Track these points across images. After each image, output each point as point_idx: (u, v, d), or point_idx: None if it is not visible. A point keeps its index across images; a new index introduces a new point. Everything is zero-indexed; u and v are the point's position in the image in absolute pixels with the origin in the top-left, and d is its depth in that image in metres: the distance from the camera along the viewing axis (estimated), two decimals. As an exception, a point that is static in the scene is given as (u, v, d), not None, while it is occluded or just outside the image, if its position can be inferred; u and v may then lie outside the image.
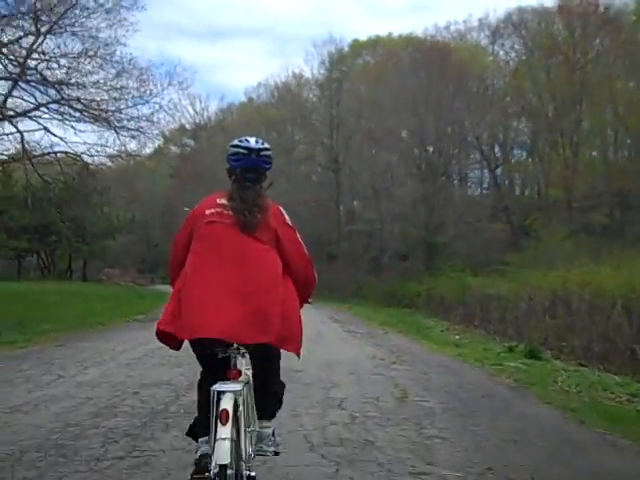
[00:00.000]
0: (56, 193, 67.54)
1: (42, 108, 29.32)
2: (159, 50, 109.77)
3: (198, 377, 4.35)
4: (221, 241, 3.99)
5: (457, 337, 19.71)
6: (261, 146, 4.21)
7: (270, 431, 4.33)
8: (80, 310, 23.79)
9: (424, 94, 38.61)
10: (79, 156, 32.53)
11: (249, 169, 4.21)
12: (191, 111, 76.72)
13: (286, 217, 4.24)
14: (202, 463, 3.82)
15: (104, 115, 29.97)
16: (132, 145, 31.12)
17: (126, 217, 70.14)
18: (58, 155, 31.83)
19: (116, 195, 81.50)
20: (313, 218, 47.62)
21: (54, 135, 30.07)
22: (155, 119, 30.62)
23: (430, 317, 26.95)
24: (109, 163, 33.95)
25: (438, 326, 23.46)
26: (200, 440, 4.02)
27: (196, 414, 4.30)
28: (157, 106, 30.39)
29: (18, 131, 28.38)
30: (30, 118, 29.34)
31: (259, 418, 4.25)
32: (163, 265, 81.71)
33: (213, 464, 3.48)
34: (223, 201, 4.12)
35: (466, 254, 36.69)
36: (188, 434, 4.40)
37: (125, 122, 30.32)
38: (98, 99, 29.16)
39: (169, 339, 4.14)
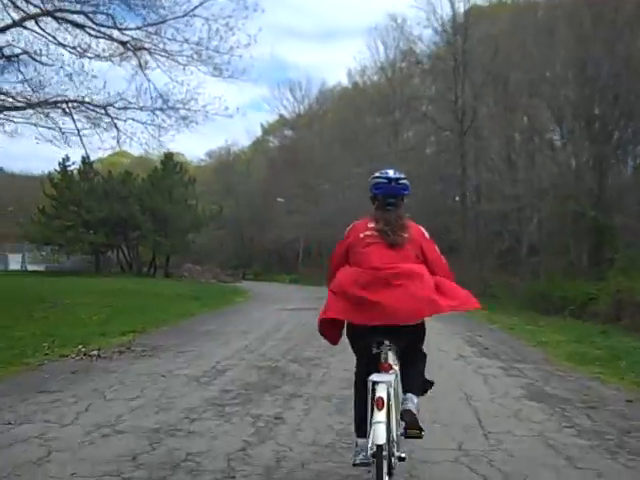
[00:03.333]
0: (138, 185, 59.25)
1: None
2: (272, 53, 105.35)
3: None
4: (375, 258, 4.24)
5: None
6: (399, 176, 4.54)
7: (415, 399, 4.34)
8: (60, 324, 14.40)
9: (588, 29, 25.31)
10: (104, 108, 20.96)
11: (389, 195, 4.51)
12: (291, 99, 67.25)
13: (426, 233, 4.52)
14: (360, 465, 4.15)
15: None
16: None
17: (213, 211, 60.07)
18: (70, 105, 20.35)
19: (208, 188, 73.27)
20: (430, 197, 34.26)
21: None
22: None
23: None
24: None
25: None
26: (359, 443, 4.25)
27: None
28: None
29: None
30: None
31: (406, 392, 4.37)
32: (257, 260, 72.72)
33: (370, 444, 3.82)
34: (372, 225, 4.41)
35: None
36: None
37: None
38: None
39: (331, 331, 4.45)
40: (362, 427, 4.20)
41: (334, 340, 4.50)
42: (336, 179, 44.77)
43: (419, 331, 4.47)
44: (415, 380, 4.49)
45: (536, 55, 26.67)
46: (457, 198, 41.49)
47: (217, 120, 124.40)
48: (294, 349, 11.42)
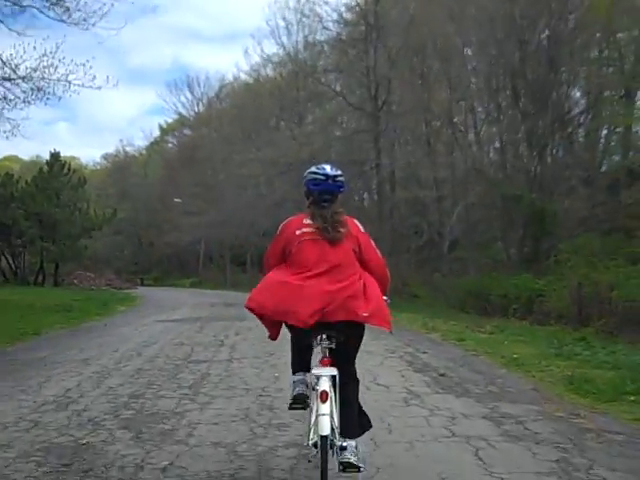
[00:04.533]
0: (22, 188, 52.81)
1: None
2: (175, 56, 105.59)
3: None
4: (314, 255, 4.08)
5: None
6: (336, 173, 4.33)
7: (353, 443, 3.98)
8: None
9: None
10: None
11: (326, 192, 4.30)
12: (189, 96, 62.00)
13: (360, 227, 4.34)
14: (297, 400, 4.23)
15: None
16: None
17: (107, 214, 54.24)
18: None
19: (103, 192, 67.31)
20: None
21: None
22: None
23: None
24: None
25: None
26: (295, 379, 4.32)
27: None
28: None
29: None
30: None
31: (341, 435, 3.95)
32: (157, 265, 66.98)
33: (311, 435, 3.81)
34: (308, 221, 4.23)
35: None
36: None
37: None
38: None
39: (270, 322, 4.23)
40: (300, 364, 4.35)
41: (273, 334, 4.29)
42: (236, 173, 39.82)
43: (357, 331, 4.13)
44: (350, 420, 4.10)
45: (457, 16, 22.46)
46: (364, 195, 37.50)
47: (115, 125, 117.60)
48: (143, 394, 6.83)
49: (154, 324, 15.42)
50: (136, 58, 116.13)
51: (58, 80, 18.56)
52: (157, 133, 72.89)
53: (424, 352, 10.18)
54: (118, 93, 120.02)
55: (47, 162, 52.91)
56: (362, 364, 5.58)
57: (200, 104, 62.66)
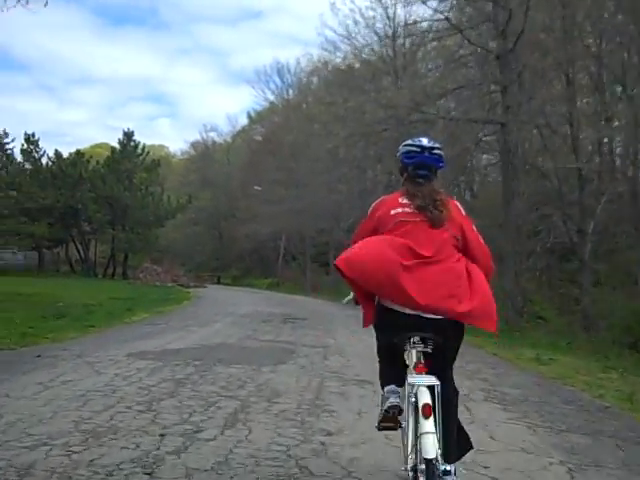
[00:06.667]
0: (93, 168, 47.91)
1: None
2: (274, 59, 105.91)
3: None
4: (412, 238, 3.41)
5: None
6: (433, 145, 3.75)
7: (453, 468, 3.26)
8: None
9: None
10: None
11: (421, 166, 3.72)
12: (278, 82, 55.66)
13: (462, 210, 3.72)
14: (390, 413, 3.48)
15: None
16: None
17: (181, 201, 48.78)
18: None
19: (185, 179, 62.19)
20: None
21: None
22: None
23: None
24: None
25: None
26: (386, 390, 3.58)
27: None
28: None
29: None
30: None
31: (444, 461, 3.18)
32: (237, 262, 60.29)
33: (409, 459, 3.23)
34: (404, 200, 3.61)
35: None
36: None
37: None
38: None
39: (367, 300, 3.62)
40: (391, 375, 3.61)
41: (366, 318, 3.66)
42: (322, 158, 33.20)
43: (457, 330, 3.44)
44: (451, 440, 3.35)
45: None
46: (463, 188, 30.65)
47: (213, 122, 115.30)
48: None
49: (118, 362, 8.51)
50: (236, 60, 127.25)
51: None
52: (245, 122, 67.90)
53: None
54: (219, 92, 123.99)
55: (119, 141, 47.87)
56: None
57: (290, 90, 56.46)
